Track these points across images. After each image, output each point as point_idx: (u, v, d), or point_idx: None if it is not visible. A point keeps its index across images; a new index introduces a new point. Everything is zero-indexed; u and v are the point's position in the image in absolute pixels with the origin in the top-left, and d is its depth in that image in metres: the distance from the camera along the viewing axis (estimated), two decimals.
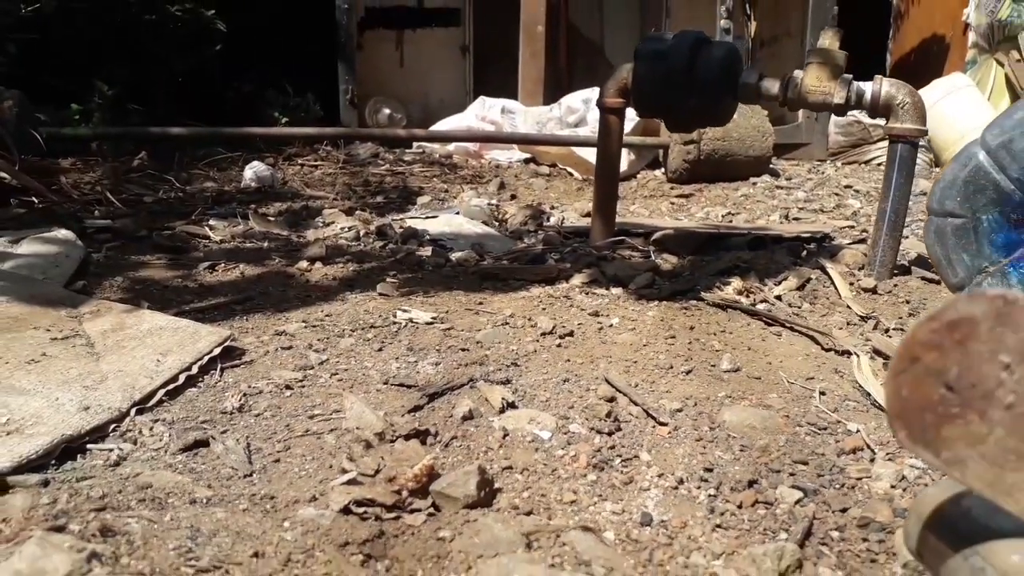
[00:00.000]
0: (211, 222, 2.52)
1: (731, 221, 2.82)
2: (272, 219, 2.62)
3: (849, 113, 2.26)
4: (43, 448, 0.95)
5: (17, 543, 0.69)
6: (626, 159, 4.03)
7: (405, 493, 0.82)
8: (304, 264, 2.02)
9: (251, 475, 0.90)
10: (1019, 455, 0.49)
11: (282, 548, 0.74)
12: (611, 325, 1.54)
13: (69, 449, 0.98)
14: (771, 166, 3.98)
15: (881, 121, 2.24)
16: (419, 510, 0.82)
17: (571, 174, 3.95)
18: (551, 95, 4.90)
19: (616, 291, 1.82)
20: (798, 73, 1.97)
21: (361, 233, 2.44)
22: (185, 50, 4.46)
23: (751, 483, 0.90)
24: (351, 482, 0.85)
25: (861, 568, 0.76)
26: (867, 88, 1.91)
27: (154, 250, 2.15)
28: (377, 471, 0.87)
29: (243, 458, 0.94)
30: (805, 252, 2.19)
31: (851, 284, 1.86)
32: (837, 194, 3.37)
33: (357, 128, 4.57)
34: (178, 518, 0.77)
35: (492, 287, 1.85)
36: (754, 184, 3.62)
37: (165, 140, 3.52)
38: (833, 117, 4.69)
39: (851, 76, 1.95)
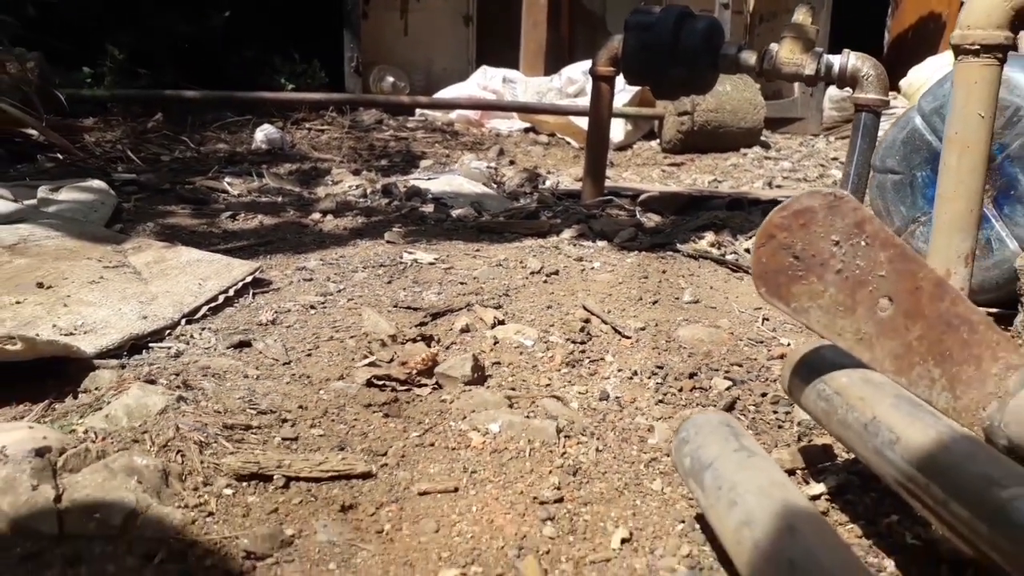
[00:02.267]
0: (227, 179, 2.74)
1: (717, 187, 3.04)
2: (284, 177, 2.84)
3: (845, 90, 2.46)
4: (116, 342, 1.19)
5: (121, 391, 0.93)
6: (623, 130, 4.24)
7: (415, 373, 1.06)
8: (317, 216, 2.25)
9: (289, 363, 1.13)
10: (845, 306, 0.72)
11: (320, 404, 0.98)
12: (593, 267, 1.77)
13: (135, 346, 1.21)
14: (763, 138, 4.19)
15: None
16: (425, 385, 1.05)
17: (569, 143, 4.16)
18: (552, 66, 5.10)
19: (601, 243, 2.04)
20: (773, 46, 2.18)
21: (368, 191, 2.66)
22: (193, 16, 4.66)
23: (691, 375, 1.14)
24: (371, 365, 1.09)
25: (769, 431, 0.99)
26: (835, 61, 2.13)
27: (178, 201, 2.38)
28: (391, 359, 1.11)
29: (281, 352, 1.17)
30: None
31: None
32: (823, 165, 3.58)
33: (362, 94, 4.76)
34: (236, 385, 1.01)
35: (489, 238, 2.07)
36: (744, 155, 3.84)
37: (178, 102, 3.73)
38: (828, 92, 4.89)
39: (822, 50, 2.17)
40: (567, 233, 2.12)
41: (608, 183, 2.90)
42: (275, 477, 0.80)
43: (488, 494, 0.81)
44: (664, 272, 1.75)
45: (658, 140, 4.20)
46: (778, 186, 3.08)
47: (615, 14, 6.01)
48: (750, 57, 2.19)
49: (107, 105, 3.77)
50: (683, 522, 0.78)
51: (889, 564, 0.73)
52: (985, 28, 1.08)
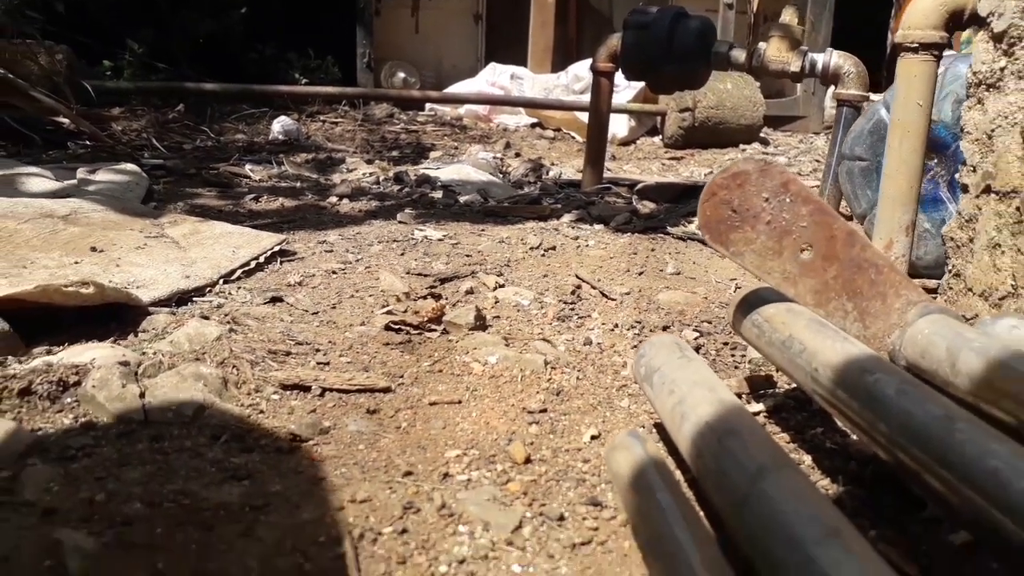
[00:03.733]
0: (248, 166, 2.95)
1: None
2: (301, 165, 3.04)
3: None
4: (165, 294, 1.38)
5: (180, 325, 1.13)
6: (627, 125, 4.43)
7: (426, 320, 1.25)
8: (334, 199, 2.45)
9: (317, 313, 1.33)
10: (774, 251, 0.91)
11: (346, 341, 1.17)
12: (587, 245, 1.96)
13: (181, 299, 1.40)
14: (762, 135, 4.37)
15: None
16: (435, 330, 1.25)
17: (573, 137, 4.35)
18: (560, 63, 5.29)
19: (598, 227, 2.23)
20: (762, 45, 2.37)
21: (381, 178, 2.86)
22: (212, 13, 4.87)
23: (665, 328, 1.32)
24: (388, 313, 1.28)
25: (726, 368, 1.18)
26: (819, 58, 2.31)
27: (204, 184, 2.59)
28: (406, 310, 1.31)
29: (310, 305, 1.37)
30: None
31: None
32: (818, 160, 3.76)
33: (374, 88, 4.96)
34: (275, 325, 1.21)
35: (493, 220, 2.27)
36: (743, 150, 4.02)
37: (198, 94, 3.94)
38: (829, 91, 5.07)
39: (807, 48, 2.35)
40: (567, 217, 2.31)
41: (609, 174, 3.10)
42: (312, 388, 0.99)
43: (485, 405, 1.00)
44: (653, 250, 1.94)
45: (660, 136, 4.39)
46: None
47: (622, 13, 6.19)
48: (740, 55, 2.38)
49: (129, 96, 3.98)
50: (643, 427, 0.97)
51: (807, 459, 0.92)
52: (923, 29, 1.27)
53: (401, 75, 5.37)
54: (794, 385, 1.06)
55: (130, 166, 2.48)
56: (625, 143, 4.36)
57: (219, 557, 0.68)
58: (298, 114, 4.20)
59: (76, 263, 1.52)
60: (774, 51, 2.34)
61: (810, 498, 0.57)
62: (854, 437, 0.94)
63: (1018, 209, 1.07)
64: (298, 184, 2.71)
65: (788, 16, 2.36)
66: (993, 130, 1.11)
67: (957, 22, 1.25)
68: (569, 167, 3.39)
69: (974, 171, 1.15)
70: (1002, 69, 1.11)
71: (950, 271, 1.21)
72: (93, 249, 1.60)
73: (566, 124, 4.52)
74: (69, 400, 0.92)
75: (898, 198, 1.31)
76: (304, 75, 5.06)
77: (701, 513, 0.69)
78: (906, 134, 1.29)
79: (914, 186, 1.31)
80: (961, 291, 1.17)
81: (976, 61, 1.14)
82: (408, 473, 0.83)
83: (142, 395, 0.91)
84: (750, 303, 0.97)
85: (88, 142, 3.08)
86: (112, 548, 0.68)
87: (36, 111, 3.03)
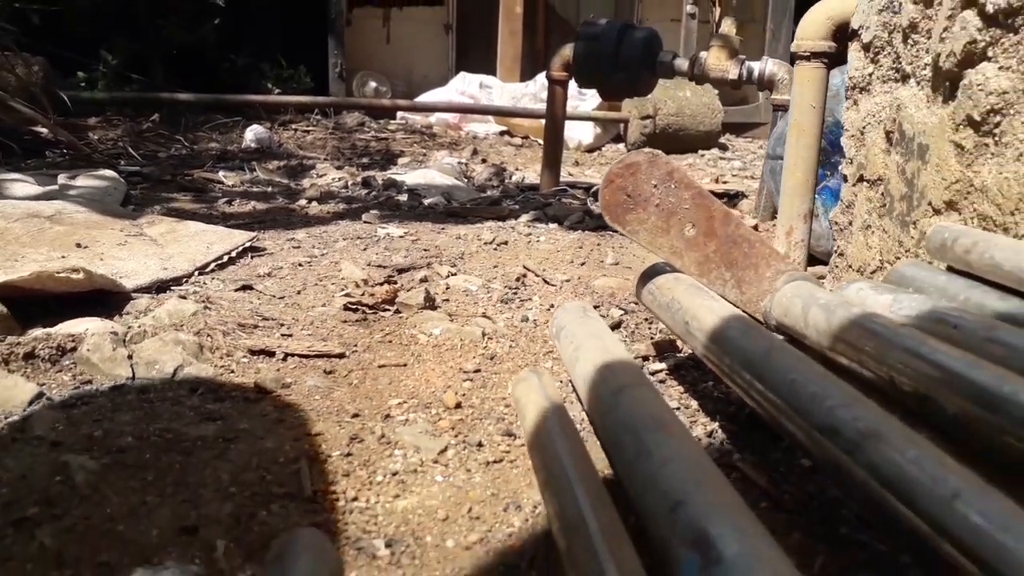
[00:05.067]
0: (221, 172, 3.12)
1: None
2: (273, 171, 3.22)
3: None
4: (146, 282, 1.55)
5: (161, 304, 1.30)
6: (592, 132, 4.65)
7: (380, 301, 1.44)
8: (303, 203, 2.63)
9: (283, 297, 1.51)
10: (662, 229, 1.11)
11: (308, 319, 1.35)
12: (539, 241, 2.15)
13: (160, 287, 1.58)
14: (722, 141, 4.60)
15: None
16: (388, 310, 1.43)
17: (540, 144, 4.55)
18: (528, 72, 5.51)
19: (552, 225, 2.43)
20: (703, 54, 2.58)
21: (349, 183, 3.04)
22: (185, 24, 5.04)
23: (596, 307, 1.52)
24: (346, 296, 1.46)
25: (642, 339, 1.37)
26: (756, 66, 2.53)
27: (179, 190, 2.75)
28: (363, 294, 1.49)
29: (277, 291, 1.55)
30: None
31: None
32: None
33: (346, 98, 5.14)
34: (245, 306, 1.39)
35: (454, 221, 2.46)
36: (702, 155, 4.24)
37: (172, 104, 4.11)
38: None
39: (744, 57, 2.56)
40: (524, 217, 2.50)
41: (569, 178, 3.30)
42: (276, 353, 1.17)
43: (427, 367, 1.18)
44: (598, 244, 2.13)
45: (624, 143, 4.60)
46: (725, 182, 3.48)
47: None
48: (683, 64, 2.59)
49: (105, 107, 4.14)
50: (560, 382, 1.15)
51: (694, 404, 1.11)
52: (814, 39, 1.47)
53: (373, 84, 5.56)
54: (691, 351, 1.25)
55: (109, 172, 2.64)
56: (590, 150, 4.56)
57: (197, 473, 0.85)
58: (271, 123, 4.37)
59: (63, 257, 1.69)
60: (714, 60, 2.55)
61: (652, 404, 0.75)
62: (735, 389, 1.13)
63: (883, 195, 1.27)
64: (269, 189, 2.89)
65: (727, 27, 2.58)
66: (864, 127, 1.32)
67: (843, 34, 1.46)
68: (532, 172, 3.59)
69: (851, 163, 1.35)
70: (870, 74, 1.31)
71: (836, 251, 1.41)
72: (78, 245, 1.77)
73: (534, 132, 4.73)
74: (67, 362, 1.10)
75: (796, 189, 1.51)
76: (277, 85, 5.24)
77: (581, 431, 0.88)
78: (802, 133, 1.49)
79: (810, 179, 1.51)
80: (844, 268, 1.37)
81: (851, 68, 1.34)
82: (355, 415, 1.01)
83: (130, 357, 1.09)
84: (648, 275, 1.17)
85: (66, 151, 3.23)
86: (110, 468, 0.85)
87: (14, 121, 3.19)
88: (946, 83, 1.12)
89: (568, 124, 4.29)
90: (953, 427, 0.75)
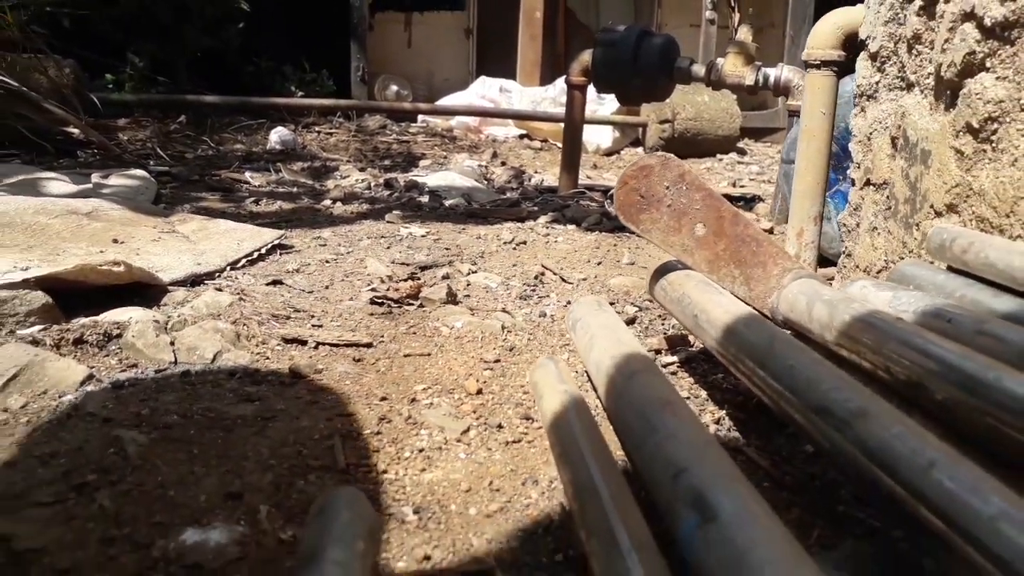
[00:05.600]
0: (247, 173, 3.21)
1: None
2: (298, 172, 3.31)
3: None
4: (181, 276, 1.64)
5: (198, 295, 1.38)
6: (611, 136, 4.71)
7: (404, 296, 1.51)
8: (328, 203, 2.72)
9: (312, 292, 1.59)
10: (674, 228, 1.17)
11: (336, 311, 1.43)
12: (556, 241, 2.22)
13: (195, 281, 1.66)
14: (740, 146, 4.64)
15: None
16: (412, 304, 1.50)
17: (559, 147, 4.62)
18: (548, 76, 5.58)
19: (570, 227, 2.50)
20: (720, 60, 2.64)
21: (372, 184, 3.13)
22: (209, 29, 5.16)
23: (611, 303, 1.58)
24: (372, 290, 1.54)
25: (655, 334, 1.44)
26: (772, 73, 2.58)
27: (207, 189, 2.85)
28: (388, 289, 1.56)
29: (306, 286, 1.63)
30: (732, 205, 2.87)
31: None
32: None
33: (368, 101, 5.24)
34: (277, 299, 1.47)
35: (475, 221, 2.53)
36: (720, 160, 4.30)
37: (198, 107, 4.22)
38: None
39: (760, 63, 2.62)
40: (543, 219, 2.57)
41: (588, 181, 3.37)
42: (308, 342, 1.25)
43: (450, 357, 1.26)
44: (615, 245, 2.20)
45: (643, 146, 4.66)
46: (742, 186, 3.53)
47: None
48: (700, 70, 2.65)
49: (132, 108, 4.26)
50: (576, 372, 1.22)
51: (703, 393, 1.17)
52: (823, 48, 1.53)
53: (394, 88, 5.66)
54: (701, 344, 1.32)
55: (139, 172, 2.74)
56: (609, 153, 4.63)
57: (239, 447, 0.93)
58: (294, 125, 4.47)
59: (101, 252, 1.77)
60: (730, 66, 2.61)
61: (660, 388, 0.82)
62: (740, 377, 1.20)
63: (888, 198, 1.33)
64: (295, 189, 2.98)
65: (743, 34, 2.64)
66: (871, 133, 1.37)
67: (852, 43, 1.52)
68: (551, 175, 3.66)
69: (858, 167, 1.41)
70: (877, 82, 1.37)
71: (844, 252, 1.47)
72: (115, 241, 1.86)
73: (553, 135, 4.79)
74: (113, 347, 1.18)
75: (807, 193, 1.57)
76: (300, 88, 5.35)
77: (595, 416, 0.94)
78: (812, 138, 1.55)
79: (820, 182, 1.57)
80: (851, 268, 1.43)
81: (859, 76, 1.40)
82: (383, 399, 1.08)
83: (172, 343, 1.17)
84: (660, 272, 1.23)
85: (97, 151, 3.34)
86: (158, 442, 0.93)
87: (47, 122, 3.30)
88: (947, 92, 1.18)
89: (587, 128, 4.36)
90: (941, 411, 0.81)
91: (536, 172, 3.72)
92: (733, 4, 5.74)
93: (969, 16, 1.12)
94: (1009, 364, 0.80)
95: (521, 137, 4.96)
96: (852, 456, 0.69)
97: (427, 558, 0.74)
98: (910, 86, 1.29)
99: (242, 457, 0.91)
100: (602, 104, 4.70)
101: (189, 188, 2.85)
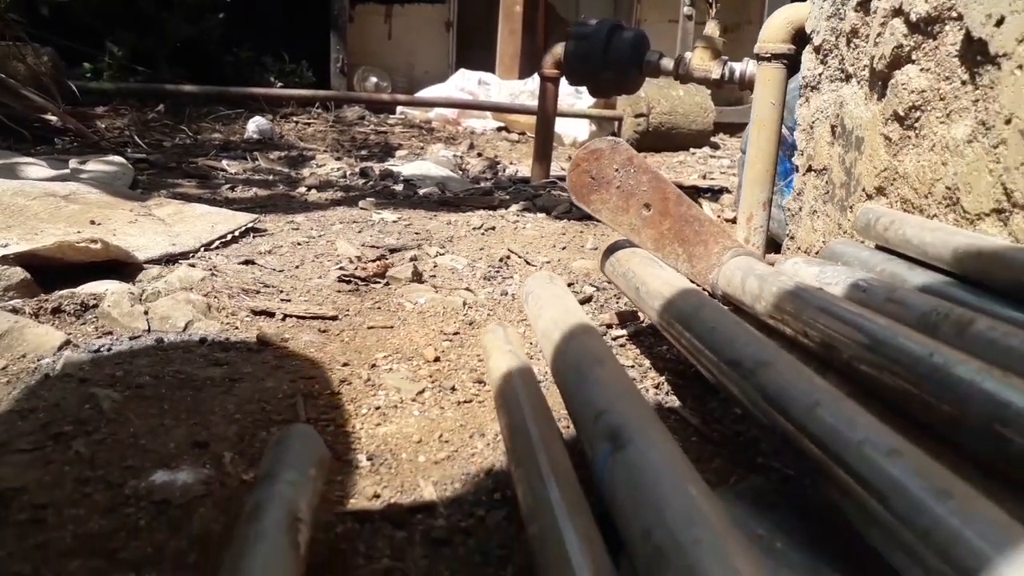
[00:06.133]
0: (224, 161, 3.27)
1: None
2: (274, 161, 3.37)
3: None
4: (156, 255, 1.71)
5: (172, 271, 1.45)
6: (587, 130, 4.80)
7: (371, 274, 1.59)
8: (303, 190, 2.78)
9: (283, 271, 1.66)
10: (623, 208, 1.26)
11: (305, 288, 1.50)
12: (525, 228, 2.30)
13: (169, 260, 1.73)
14: (714, 140, 4.74)
15: None
16: (379, 282, 1.58)
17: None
18: (527, 70, 5.66)
19: (540, 215, 2.58)
20: (688, 54, 2.73)
21: (347, 173, 3.19)
22: (189, 18, 5.19)
23: (570, 284, 1.66)
24: (341, 269, 1.61)
25: (609, 311, 1.52)
26: (737, 67, 2.67)
27: (184, 176, 2.90)
28: (356, 268, 1.64)
29: (277, 266, 1.70)
30: (698, 196, 2.96)
31: (718, 216, 2.63)
32: None
33: (347, 92, 5.29)
34: (248, 276, 1.54)
35: (447, 209, 2.61)
36: (693, 153, 4.39)
37: (176, 96, 4.26)
38: None
39: (727, 58, 2.71)
40: (514, 207, 2.65)
41: (561, 172, 3.45)
42: (276, 314, 1.32)
43: (412, 329, 1.33)
44: (581, 232, 2.28)
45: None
46: (712, 178, 3.63)
47: None
48: (669, 63, 2.74)
49: (111, 97, 4.29)
50: (531, 344, 1.30)
51: (647, 363, 1.26)
52: (774, 42, 1.62)
53: (373, 79, 5.71)
54: (646, 317, 1.40)
55: (117, 158, 2.79)
56: None
57: (207, 404, 1.00)
58: (272, 116, 4.52)
59: (79, 232, 1.84)
60: (698, 60, 2.70)
61: (595, 347, 0.90)
62: (670, 339, 1.28)
63: (827, 183, 1.42)
64: (271, 177, 3.04)
65: (711, 29, 2.73)
66: (814, 122, 1.47)
67: (802, 37, 1.61)
68: (525, 166, 3.74)
69: (802, 155, 1.50)
70: (820, 74, 1.46)
71: (788, 235, 1.56)
72: (92, 222, 1.92)
73: (530, 128, 4.87)
74: (90, 316, 1.25)
75: (757, 180, 1.66)
76: (279, 79, 5.39)
77: (543, 379, 1.03)
78: (762, 128, 1.64)
79: (770, 170, 1.66)
80: (794, 250, 1.52)
81: (804, 68, 1.49)
82: (345, 364, 1.16)
83: (146, 313, 1.24)
84: (610, 250, 1.32)
85: (74, 138, 3.38)
86: (131, 399, 1.00)
87: (26, 109, 3.33)
88: (879, 83, 1.27)
89: (564, 121, 4.45)
90: (849, 370, 0.90)
91: (511, 163, 3.79)
92: (710, 0, 5.83)
93: (898, 12, 1.22)
94: (910, 326, 0.89)
95: (499, 130, 5.04)
96: (753, 399, 0.77)
97: (377, 496, 0.82)
98: (848, 77, 1.38)
99: (209, 412, 0.98)
100: (580, 98, 4.78)
101: (166, 175, 2.90)
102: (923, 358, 0.78)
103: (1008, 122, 0.97)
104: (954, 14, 1.09)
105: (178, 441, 0.90)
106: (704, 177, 3.63)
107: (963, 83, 1.07)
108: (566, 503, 0.65)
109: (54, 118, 3.41)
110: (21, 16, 4.13)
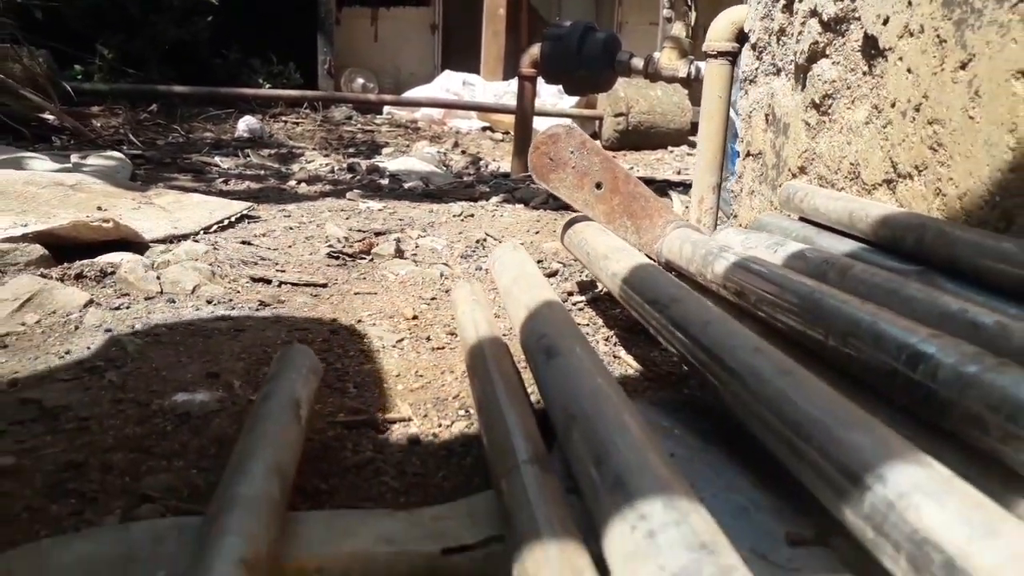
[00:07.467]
0: (217, 157, 3.45)
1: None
2: (265, 157, 3.56)
3: None
4: (160, 236, 1.89)
5: (178, 245, 1.64)
6: None
7: (358, 251, 1.78)
8: (293, 183, 2.97)
9: (277, 250, 1.85)
10: (578, 186, 1.45)
11: (298, 262, 1.69)
12: (502, 216, 2.50)
13: (172, 241, 1.91)
14: (691, 139, 4.95)
15: None
16: (364, 258, 1.77)
17: None
18: (511, 71, 5.86)
19: (519, 206, 2.77)
20: (656, 54, 2.93)
21: (335, 168, 3.38)
22: (179, 21, 5.38)
23: (539, 262, 1.86)
24: (330, 247, 1.80)
25: (571, 280, 1.71)
26: (703, 66, 2.88)
27: (179, 171, 3.09)
28: (344, 245, 1.83)
29: (272, 245, 1.89)
30: (669, 189, 3.17)
31: (686, 207, 2.83)
32: None
33: (334, 92, 5.48)
34: (245, 251, 1.73)
35: (430, 200, 2.80)
36: (671, 151, 4.60)
37: (168, 97, 4.44)
38: None
39: (693, 57, 2.92)
40: (494, 199, 2.85)
41: None
42: (273, 281, 1.51)
43: (393, 295, 1.53)
44: (555, 220, 2.48)
45: (599, 139, 4.96)
46: (686, 173, 3.83)
47: None
48: (639, 63, 2.94)
49: (104, 98, 4.47)
50: (499, 307, 1.50)
51: (600, 321, 1.45)
52: (720, 41, 1.82)
53: (360, 81, 5.90)
54: (598, 282, 1.60)
55: (115, 153, 2.98)
56: None
57: (216, 347, 1.19)
58: (262, 116, 4.71)
59: (87, 217, 2.02)
60: (666, 59, 2.90)
61: (545, 295, 1.10)
62: (608, 288, 1.48)
63: (762, 165, 1.62)
64: (262, 172, 3.23)
65: (678, 29, 2.94)
66: (751, 112, 1.67)
67: (745, 36, 1.81)
68: (507, 163, 3.93)
69: (743, 141, 1.70)
70: (756, 69, 1.66)
71: (732, 214, 1.76)
72: (99, 208, 2.11)
73: (513, 127, 5.07)
74: (109, 281, 1.43)
75: (707, 166, 1.86)
76: (268, 80, 5.58)
77: (505, 335, 1.22)
78: (711, 119, 1.84)
79: (718, 156, 1.86)
80: (737, 227, 1.72)
81: (743, 63, 1.70)
82: (334, 319, 1.35)
83: (158, 278, 1.43)
84: (569, 224, 1.51)
85: (71, 136, 3.56)
86: (151, 344, 1.19)
87: (24, 108, 3.51)
88: (801, 75, 1.48)
89: (546, 120, 4.65)
90: (757, 311, 1.10)
91: (494, 160, 3.99)
92: (690, 3, 6.06)
93: (814, 13, 1.42)
94: (807, 275, 1.09)
95: (484, 129, 5.24)
96: (664, 326, 0.97)
97: (362, 411, 1.01)
98: (778, 71, 1.59)
99: (219, 353, 1.17)
100: (562, 98, 4.99)
101: (162, 170, 3.08)
102: (807, 295, 0.98)
103: (893, 105, 1.18)
104: (856, 15, 1.29)
105: (194, 373, 1.09)
106: (679, 173, 3.84)
107: (864, 73, 1.28)
108: (509, 396, 0.84)
109: (52, 117, 3.59)
110: (14, 19, 4.30)
